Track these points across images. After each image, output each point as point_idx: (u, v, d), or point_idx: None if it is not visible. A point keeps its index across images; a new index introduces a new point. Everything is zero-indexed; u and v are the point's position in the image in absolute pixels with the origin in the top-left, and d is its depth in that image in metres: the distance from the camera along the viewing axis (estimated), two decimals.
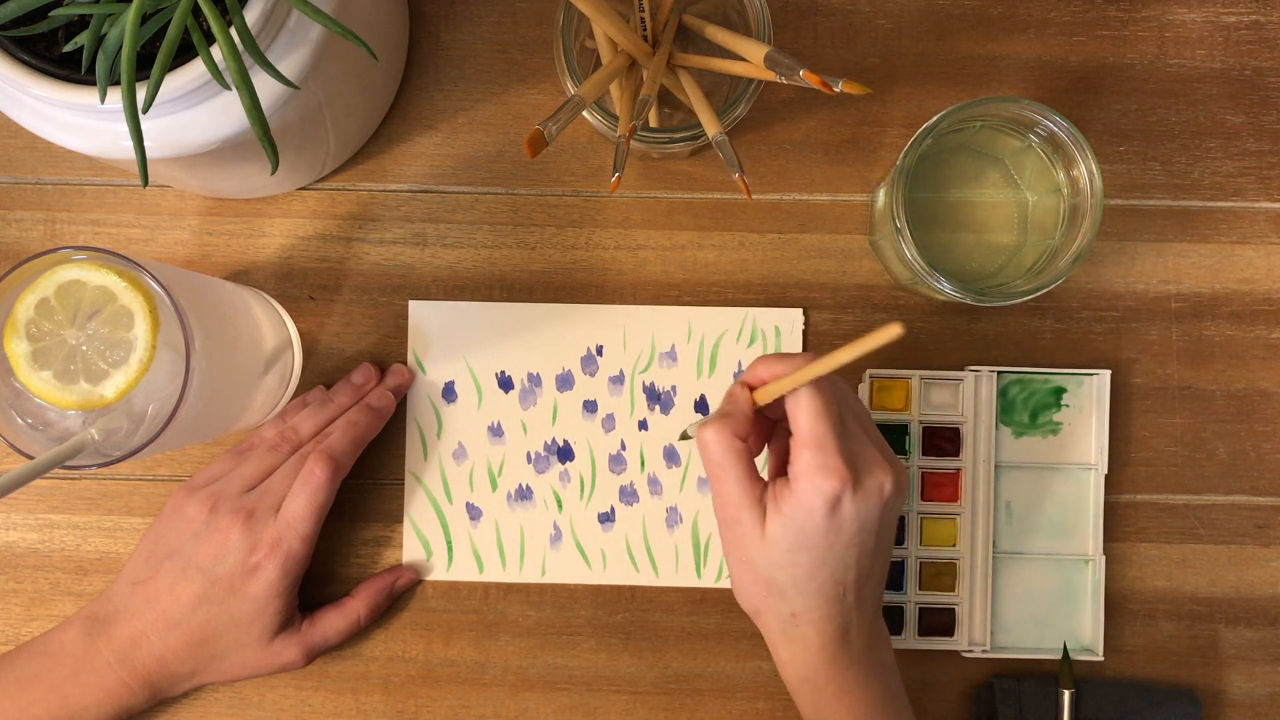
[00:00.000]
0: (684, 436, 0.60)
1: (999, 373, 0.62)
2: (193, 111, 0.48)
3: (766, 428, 0.53)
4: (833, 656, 0.51)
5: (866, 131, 0.63)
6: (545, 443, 0.63)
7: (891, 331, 0.43)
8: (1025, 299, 0.55)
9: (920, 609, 0.62)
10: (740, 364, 0.63)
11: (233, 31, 0.44)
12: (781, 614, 0.51)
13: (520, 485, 0.63)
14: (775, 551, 0.49)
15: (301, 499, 0.56)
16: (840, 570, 0.49)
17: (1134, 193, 0.63)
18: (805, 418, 0.48)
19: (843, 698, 0.51)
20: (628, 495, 0.63)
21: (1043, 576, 0.63)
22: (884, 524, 0.50)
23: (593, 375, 0.63)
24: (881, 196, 0.58)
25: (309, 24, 0.48)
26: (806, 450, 0.48)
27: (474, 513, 0.63)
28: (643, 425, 0.63)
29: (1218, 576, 0.63)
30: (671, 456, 0.63)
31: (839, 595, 0.50)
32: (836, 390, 0.50)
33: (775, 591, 0.50)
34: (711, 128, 0.53)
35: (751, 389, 0.50)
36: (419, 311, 0.63)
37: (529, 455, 0.63)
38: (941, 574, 0.62)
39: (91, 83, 0.46)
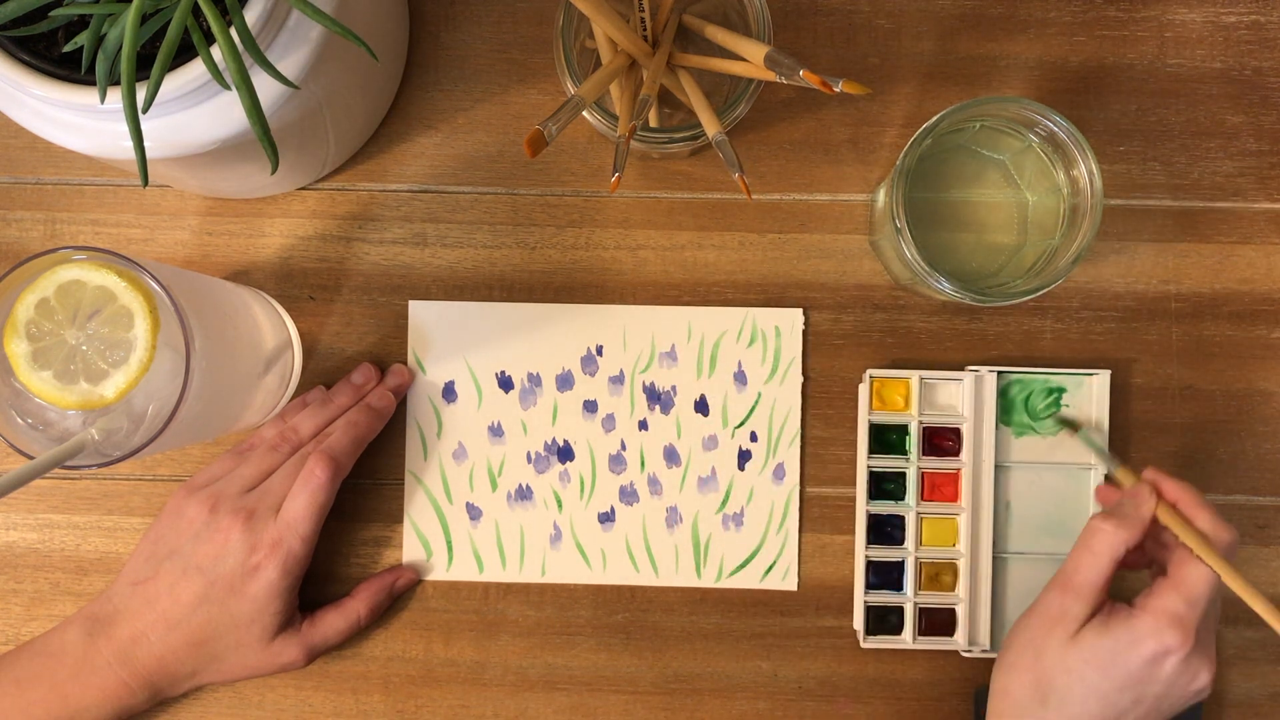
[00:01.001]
0: (1067, 423, 0.61)
1: (999, 373, 0.62)
2: (193, 111, 0.48)
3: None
4: None
5: (866, 131, 0.63)
6: (545, 443, 0.63)
7: None
8: (1025, 299, 0.55)
9: (920, 609, 0.62)
10: (740, 364, 0.63)
11: (233, 31, 0.44)
12: (1031, 713, 0.51)
13: (520, 485, 0.63)
14: (1073, 657, 0.50)
15: (302, 499, 0.56)
16: (1113, 712, 0.50)
17: (1134, 193, 0.63)
18: (1196, 578, 0.49)
19: None
20: (628, 495, 0.63)
21: (1043, 576, 0.62)
22: (1172, 706, 0.51)
23: (593, 375, 0.63)
24: (881, 196, 0.58)
25: (309, 24, 0.48)
26: (1174, 598, 0.49)
27: (474, 513, 0.63)
28: (643, 425, 0.63)
29: None
30: (671, 456, 0.63)
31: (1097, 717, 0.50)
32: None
33: (1040, 692, 0.50)
34: (711, 128, 0.53)
35: (1159, 494, 0.52)
36: (419, 311, 0.63)
37: (529, 455, 0.63)
38: (941, 574, 0.62)
39: (91, 83, 0.46)
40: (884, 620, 0.62)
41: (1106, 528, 0.51)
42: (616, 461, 0.63)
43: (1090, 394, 0.63)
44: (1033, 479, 0.63)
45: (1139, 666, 0.49)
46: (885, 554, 0.62)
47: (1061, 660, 0.50)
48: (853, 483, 0.63)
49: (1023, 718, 0.52)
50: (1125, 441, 0.63)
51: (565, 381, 0.63)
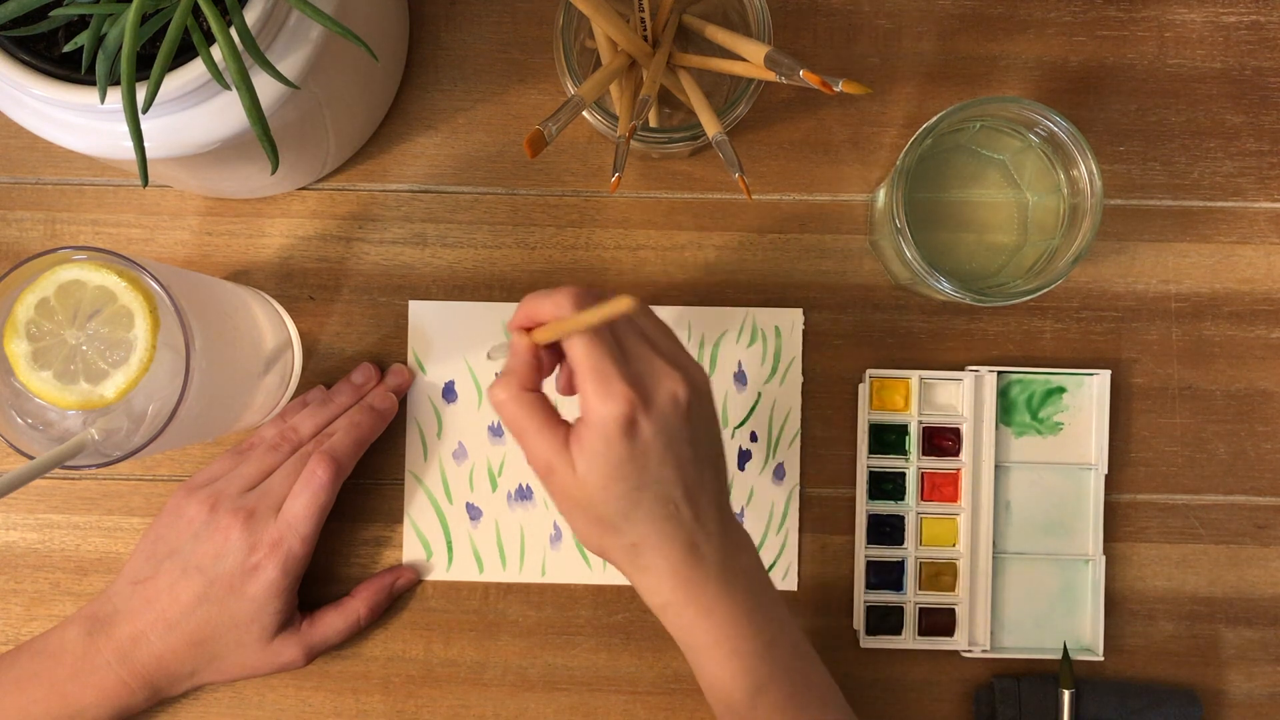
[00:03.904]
0: (490, 357, 0.62)
1: (999, 373, 0.62)
2: (193, 111, 0.48)
3: (558, 354, 0.51)
4: (687, 578, 0.50)
5: (866, 131, 0.63)
6: None
7: (623, 304, 0.43)
8: (1025, 299, 0.55)
9: (920, 609, 0.62)
10: (740, 364, 0.63)
11: (233, 31, 0.44)
12: (623, 547, 0.50)
13: (520, 485, 0.63)
14: (592, 490, 0.48)
15: (303, 499, 0.56)
16: (663, 490, 0.48)
17: (1134, 193, 0.63)
18: (579, 352, 0.47)
19: (709, 614, 0.50)
20: None
21: (1043, 576, 0.63)
22: (696, 431, 0.49)
23: None
24: (881, 196, 0.58)
25: (309, 24, 0.48)
26: (587, 382, 0.47)
27: (474, 513, 0.63)
28: None
29: (1218, 576, 0.63)
30: None
31: (672, 514, 0.49)
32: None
33: (609, 528, 0.49)
34: (711, 128, 0.53)
35: (528, 330, 0.50)
36: (419, 311, 0.63)
37: None
38: (941, 574, 0.62)
39: (91, 83, 0.46)
40: (884, 620, 0.62)
41: (493, 392, 0.49)
42: None
43: (1090, 394, 0.63)
44: (1033, 479, 0.63)
45: (629, 451, 0.47)
46: (885, 554, 0.62)
47: (588, 499, 0.49)
48: (853, 483, 0.63)
49: (608, 553, 0.51)
50: (1125, 441, 0.63)
51: None
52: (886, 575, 0.62)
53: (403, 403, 0.63)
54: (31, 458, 0.46)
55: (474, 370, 0.63)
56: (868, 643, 0.62)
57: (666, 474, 0.48)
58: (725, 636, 0.50)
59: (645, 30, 0.55)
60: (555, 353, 0.51)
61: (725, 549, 0.51)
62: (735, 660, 0.50)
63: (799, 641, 0.53)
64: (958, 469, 0.62)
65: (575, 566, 0.63)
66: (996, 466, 0.62)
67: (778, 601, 0.53)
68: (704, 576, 0.50)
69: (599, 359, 0.47)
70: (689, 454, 0.49)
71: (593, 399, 0.47)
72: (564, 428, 0.49)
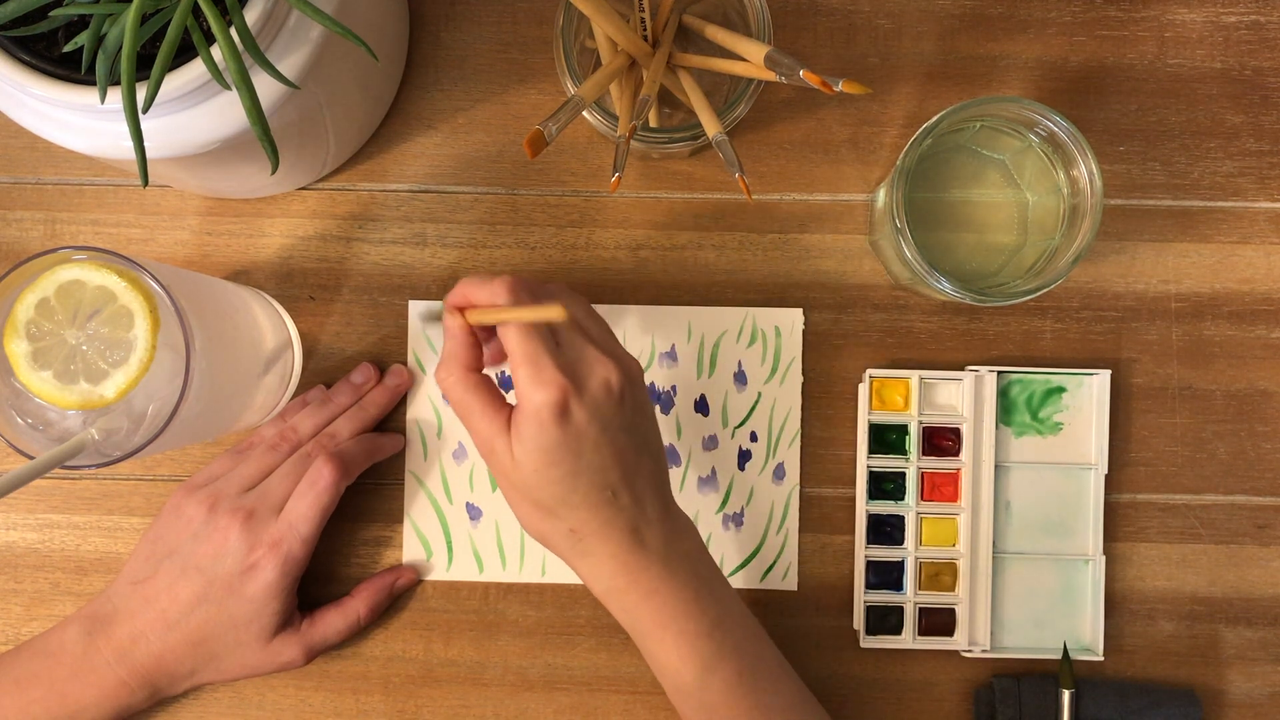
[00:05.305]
0: (432, 317, 0.62)
1: (999, 373, 0.62)
2: (193, 111, 0.48)
3: (491, 329, 0.53)
4: (627, 562, 0.50)
5: (866, 131, 0.63)
6: None
7: (554, 313, 0.45)
8: (1025, 299, 0.55)
9: (920, 609, 0.62)
10: (740, 364, 0.63)
11: (233, 31, 0.44)
12: (563, 533, 0.50)
13: None
14: (528, 474, 0.49)
15: (307, 500, 0.56)
16: (599, 475, 0.49)
17: (1134, 193, 0.63)
18: (513, 340, 0.48)
19: (650, 597, 0.51)
20: None
21: (1043, 576, 0.63)
22: (630, 418, 0.50)
23: None
24: (881, 196, 0.59)
25: (309, 24, 0.48)
26: (521, 369, 0.48)
27: (474, 513, 0.63)
28: None
29: (1218, 576, 0.63)
30: (671, 456, 0.63)
31: (609, 500, 0.49)
32: (545, 302, 0.50)
33: (548, 512, 0.50)
34: (711, 128, 0.53)
35: (462, 310, 0.51)
36: (419, 311, 0.63)
37: None
38: (941, 574, 0.62)
39: (91, 83, 0.46)
40: (884, 620, 0.62)
41: (438, 374, 0.51)
42: None
43: (1090, 394, 0.63)
44: (1033, 479, 0.63)
45: (562, 436, 0.48)
46: (885, 554, 0.62)
47: (526, 483, 0.49)
48: (853, 483, 0.63)
49: (550, 539, 0.51)
50: (1125, 441, 0.63)
51: None
52: (886, 575, 0.62)
53: (402, 403, 0.63)
54: (31, 458, 0.46)
55: None
56: (868, 643, 0.62)
57: (602, 460, 0.49)
58: (670, 619, 0.51)
59: (645, 30, 0.55)
60: (489, 328, 0.52)
61: (667, 534, 0.51)
62: (682, 641, 0.51)
63: (747, 622, 0.53)
64: (958, 469, 0.62)
65: None
66: (996, 466, 0.62)
67: (724, 585, 0.53)
68: (646, 561, 0.51)
69: (533, 347, 0.48)
70: (625, 440, 0.49)
71: (526, 385, 0.48)
72: (507, 410, 0.50)
